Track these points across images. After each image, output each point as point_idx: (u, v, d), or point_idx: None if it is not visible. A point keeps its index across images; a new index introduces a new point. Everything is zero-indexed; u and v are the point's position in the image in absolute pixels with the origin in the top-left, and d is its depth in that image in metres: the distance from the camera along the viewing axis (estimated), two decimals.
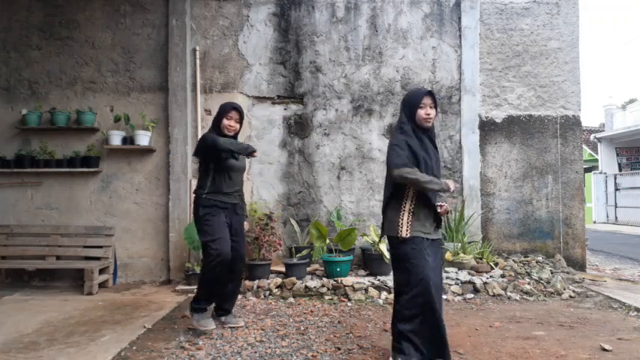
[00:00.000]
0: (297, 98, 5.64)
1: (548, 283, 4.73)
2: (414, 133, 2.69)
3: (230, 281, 3.49)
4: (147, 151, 5.42)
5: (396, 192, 2.69)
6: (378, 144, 5.63)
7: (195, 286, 4.78)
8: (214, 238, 3.27)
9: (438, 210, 2.71)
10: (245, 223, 3.69)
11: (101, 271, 4.99)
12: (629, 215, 16.17)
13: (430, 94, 2.71)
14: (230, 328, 3.49)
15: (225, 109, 3.43)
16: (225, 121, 3.42)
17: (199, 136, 5.45)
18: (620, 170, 17.87)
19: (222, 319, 3.56)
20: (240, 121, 3.51)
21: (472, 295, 4.50)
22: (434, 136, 2.81)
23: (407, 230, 2.62)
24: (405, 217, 2.64)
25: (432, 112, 2.70)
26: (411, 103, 2.72)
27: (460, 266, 4.95)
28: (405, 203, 2.67)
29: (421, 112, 2.68)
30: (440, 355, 2.57)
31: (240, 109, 3.50)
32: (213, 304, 3.59)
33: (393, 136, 2.83)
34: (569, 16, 5.81)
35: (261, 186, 5.57)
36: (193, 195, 3.50)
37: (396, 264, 2.72)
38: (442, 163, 5.59)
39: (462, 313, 4.01)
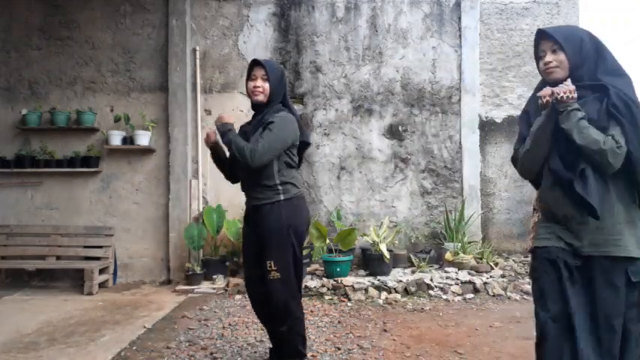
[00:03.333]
0: (297, 98, 5.64)
1: None
2: None
3: (267, 323, 2.67)
4: (147, 151, 5.42)
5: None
6: (378, 144, 5.63)
7: (195, 286, 4.82)
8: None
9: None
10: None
11: (101, 271, 4.99)
12: None
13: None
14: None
15: (248, 70, 2.56)
16: (250, 84, 2.52)
17: (199, 137, 5.46)
18: None
19: None
20: (269, 78, 2.49)
21: (472, 295, 4.50)
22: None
23: None
24: None
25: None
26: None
27: (460, 266, 4.95)
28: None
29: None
30: None
31: (266, 63, 2.52)
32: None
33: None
34: (569, 16, 5.82)
35: None
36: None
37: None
38: (442, 163, 5.59)
39: (461, 313, 4.01)
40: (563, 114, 1.70)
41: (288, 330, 2.46)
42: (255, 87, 2.49)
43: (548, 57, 1.80)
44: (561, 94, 1.68)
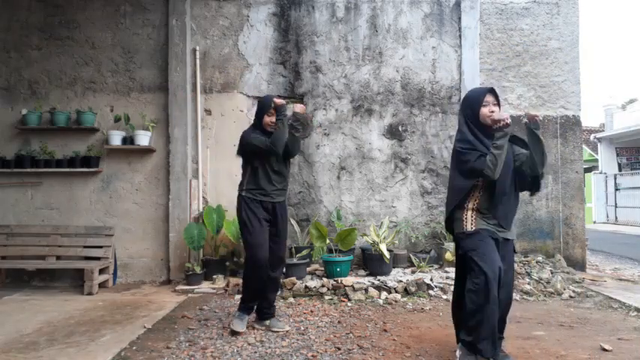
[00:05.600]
0: (297, 98, 5.64)
1: (548, 283, 4.73)
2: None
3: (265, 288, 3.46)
4: (147, 151, 5.42)
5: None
6: (378, 144, 5.63)
7: (195, 286, 4.82)
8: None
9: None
10: None
11: (101, 271, 4.99)
12: (629, 215, 16.17)
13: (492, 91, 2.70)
14: (273, 331, 3.41)
15: (267, 106, 3.37)
16: (267, 118, 3.37)
17: (199, 137, 5.47)
18: (620, 170, 17.87)
19: (267, 322, 3.49)
20: None
21: None
22: None
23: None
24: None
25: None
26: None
27: None
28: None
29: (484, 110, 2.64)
30: None
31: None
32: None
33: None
34: (569, 16, 5.81)
35: None
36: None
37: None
38: (442, 163, 5.61)
39: None
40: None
41: (280, 275, 3.60)
42: (272, 122, 3.35)
43: (495, 108, 2.62)
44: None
